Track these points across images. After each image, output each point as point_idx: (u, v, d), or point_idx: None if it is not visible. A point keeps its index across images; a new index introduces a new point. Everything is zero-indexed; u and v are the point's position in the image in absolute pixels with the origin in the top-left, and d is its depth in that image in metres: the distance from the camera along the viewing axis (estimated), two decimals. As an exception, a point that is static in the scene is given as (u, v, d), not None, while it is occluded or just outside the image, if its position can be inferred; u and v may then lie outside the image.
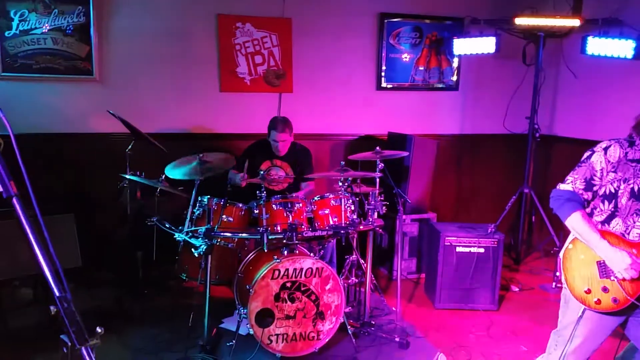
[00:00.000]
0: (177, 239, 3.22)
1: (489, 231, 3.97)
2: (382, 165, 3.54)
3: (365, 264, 3.61)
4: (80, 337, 1.16)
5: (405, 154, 3.99)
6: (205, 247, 3.05)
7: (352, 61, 4.92)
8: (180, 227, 3.22)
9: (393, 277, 4.48)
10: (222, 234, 3.24)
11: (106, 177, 4.03)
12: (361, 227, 3.35)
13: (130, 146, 3.78)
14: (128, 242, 4.03)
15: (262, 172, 3.73)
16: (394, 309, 3.77)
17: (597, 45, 4.45)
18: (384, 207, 3.49)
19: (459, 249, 3.93)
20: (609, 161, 2.08)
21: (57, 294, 1.18)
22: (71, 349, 1.15)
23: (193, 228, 3.22)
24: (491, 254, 3.92)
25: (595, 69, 4.81)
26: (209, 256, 3.11)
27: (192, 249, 3.11)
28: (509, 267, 4.91)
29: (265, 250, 3.13)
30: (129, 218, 3.93)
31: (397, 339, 3.36)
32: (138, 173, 3.56)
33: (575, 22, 4.59)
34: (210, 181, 3.38)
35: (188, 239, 3.13)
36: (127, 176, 3.60)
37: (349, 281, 3.75)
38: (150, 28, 4.34)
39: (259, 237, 3.14)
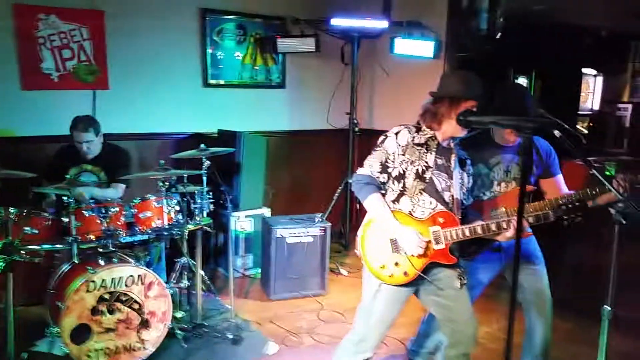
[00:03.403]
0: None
1: (316, 221, 4.17)
2: (209, 162, 3.48)
3: (195, 265, 3.53)
4: None
5: (232, 150, 3.99)
6: (3, 265, 2.70)
7: (176, 57, 4.75)
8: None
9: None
10: (24, 247, 2.89)
11: None
12: (189, 227, 3.27)
13: None
14: None
15: (67, 177, 3.24)
16: (228, 306, 3.76)
17: (403, 46, 4.95)
18: (211, 205, 3.44)
19: (289, 240, 4.06)
20: (399, 144, 2.29)
21: None
22: None
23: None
24: (319, 242, 4.13)
25: (404, 67, 5.30)
26: (11, 274, 2.76)
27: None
28: (340, 253, 5.22)
29: (77, 262, 2.87)
30: None
31: (229, 336, 3.36)
32: None
33: (384, 24, 5.03)
34: (11, 189, 2.99)
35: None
36: None
37: (180, 285, 3.62)
38: None
39: (69, 247, 2.87)
